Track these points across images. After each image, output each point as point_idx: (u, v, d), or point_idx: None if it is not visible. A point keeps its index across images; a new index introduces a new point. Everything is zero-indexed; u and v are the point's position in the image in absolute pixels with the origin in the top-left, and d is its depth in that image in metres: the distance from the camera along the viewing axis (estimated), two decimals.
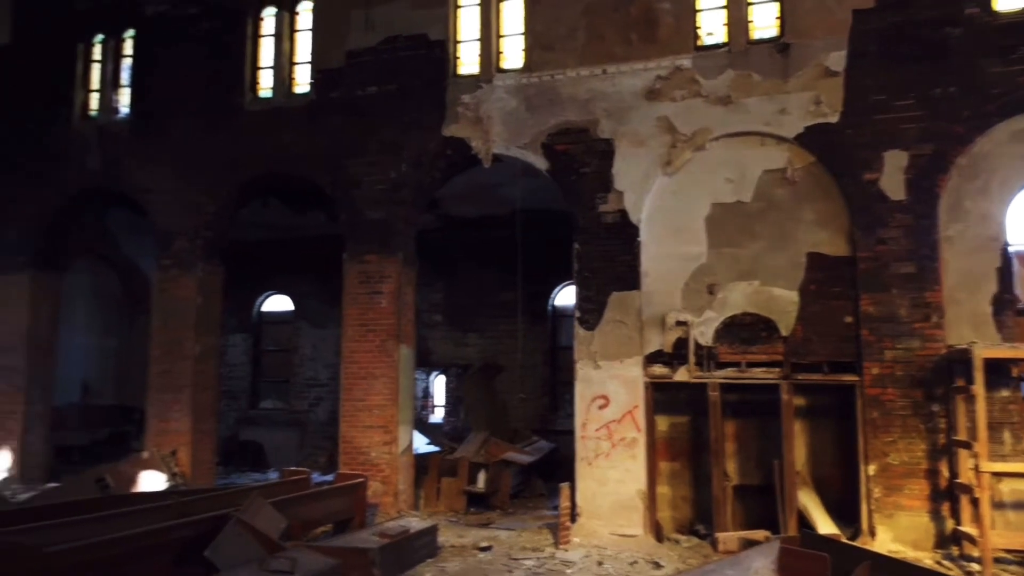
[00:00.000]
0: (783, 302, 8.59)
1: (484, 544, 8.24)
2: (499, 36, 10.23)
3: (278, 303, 15.74)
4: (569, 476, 9.05)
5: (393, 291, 10.11)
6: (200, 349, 11.12)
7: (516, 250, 11.31)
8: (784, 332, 8.55)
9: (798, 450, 8.46)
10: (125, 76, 12.24)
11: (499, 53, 10.19)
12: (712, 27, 9.34)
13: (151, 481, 10.38)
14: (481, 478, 10.26)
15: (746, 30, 9.13)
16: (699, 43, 9.30)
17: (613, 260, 9.15)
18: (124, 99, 12.19)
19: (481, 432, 11.46)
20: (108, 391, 15.49)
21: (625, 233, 9.15)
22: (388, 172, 10.28)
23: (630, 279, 9.07)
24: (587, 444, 8.97)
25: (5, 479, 11.63)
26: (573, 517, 8.74)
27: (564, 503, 8.44)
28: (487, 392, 13.94)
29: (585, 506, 8.85)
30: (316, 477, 10.12)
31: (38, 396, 12.24)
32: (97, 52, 12.46)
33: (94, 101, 12.44)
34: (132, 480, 10.30)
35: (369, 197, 10.32)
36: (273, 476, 12.50)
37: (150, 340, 11.38)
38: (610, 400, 8.95)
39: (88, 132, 12.18)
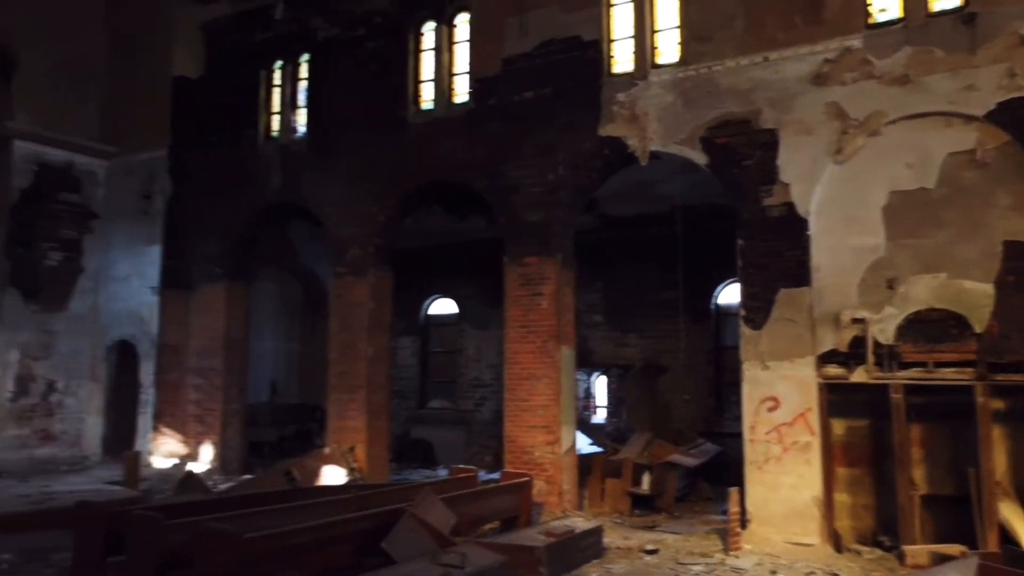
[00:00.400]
0: (975, 296, 7.85)
1: (650, 547, 8.12)
2: (653, 31, 10.07)
3: (443, 306, 16.32)
4: (737, 480, 8.73)
5: (553, 292, 10.20)
6: (373, 351, 11.71)
7: (676, 248, 11.08)
8: (977, 329, 7.80)
9: (997, 458, 7.69)
10: (302, 98, 13.16)
11: (653, 49, 10.03)
12: (884, 3, 8.71)
13: (332, 475, 11.06)
14: (645, 480, 10.13)
15: (924, 2, 8.44)
16: (870, 21, 8.69)
17: (780, 255, 8.75)
18: (301, 119, 13.09)
19: (644, 433, 11.30)
20: (293, 391, 16.69)
21: (792, 226, 8.72)
22: (545, 175, 10.38)
23: (799, 275, 8.63)
24: (756, 448, 8.62)
25: (208, 470, 12.77)
26: (743, 523, 8.43)
27: (733, 508, 8.16)
28: (649, 393, 13.74)
29: (756, 512, 8.51)
30: (482, 475, 10.37)
31: (234, 395, 13.38)
32: (277, 77, 13.48)
33: (275, 123, 13.44)
34: (315, 474, 11.02)
35: (527, 200, 10.47)
36: (442, 473, 12.96)
37: (328, 343, 12.14)
38: (780, 402, 8.56)
39: (271, 152, 13.18)
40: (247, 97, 13.50)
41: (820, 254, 8.60)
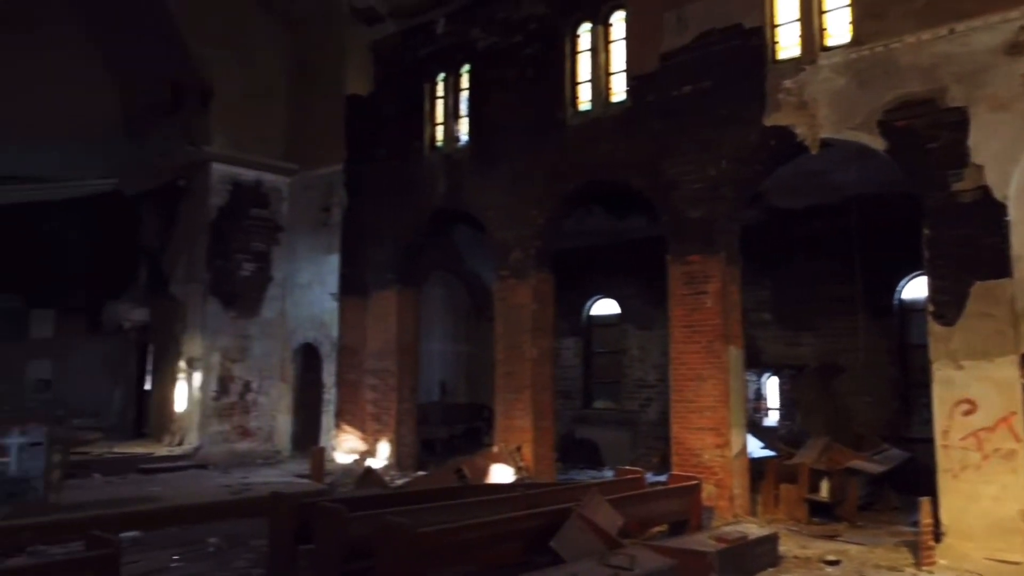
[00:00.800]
0: None
1: (831, 558, 7.67)
2: (821, 12, 9.51)
3: (605, 307, 16.25)
4: (929, 489, 8.04)
5: (718, 291, 9.89)
6: (537, 352, 11.86)
7: (852, 240, 10.41)
8: None
9: None
10: (463, 107, 13.59)
11: (822, 30, 9.47)
12: None
13: (500, 473, 11.31)
14: (824, 486, 9.57)
15: None
16: None
17: (974, 245, 7.98)
18: (463, 128, 13.52)
19: (821, 437, 10.69)
20: (461, 391, 17.25)
21: (988, 213, 7.93)
22: (707, 170, 10.09)
23: (997, 265, 7.83)
24: (950, 454, 7.91)
25: (385, 466, 13.45)
26: (936, 536, 7.75)
27: (925, 519, 7.53)
28: (825, 394, 12.98)
29: (951, 524, 7.80)
30: (649, 477, 10.22)
31: (406, 395, 14.01)
32: (440, 89, 14.00)
33: (439, 133, 13.98)
34: (484, 472, 11.31)
35: (688, 197, 10.22)
36: (608, 474, 12.90)
37: (494, 345, 12.43)
38: (977, 405, 7.80)
39: (436, 161, 13.70)
40: (413, 110, 14.11)
41: (1022, 243, 7.78)
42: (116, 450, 14.29)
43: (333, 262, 14.92)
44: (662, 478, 10.41)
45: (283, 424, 15.62)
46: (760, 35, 9.78)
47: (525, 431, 11.71)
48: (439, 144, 13.93)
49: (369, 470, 11.87)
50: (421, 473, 12.98)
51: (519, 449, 11.64)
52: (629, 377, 15.24)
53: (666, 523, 8.61)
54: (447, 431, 16.22)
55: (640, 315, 15.09)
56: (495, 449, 11.82)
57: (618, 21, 11.54)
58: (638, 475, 9.23)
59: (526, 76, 12.36)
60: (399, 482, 12.30)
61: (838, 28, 9.38)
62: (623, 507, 7.34)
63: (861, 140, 8.90)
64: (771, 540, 7.59)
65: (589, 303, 16.39)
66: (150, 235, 16.90)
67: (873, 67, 8.82)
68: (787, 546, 8.02)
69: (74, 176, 18.01)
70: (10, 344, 17.99)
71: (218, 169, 15.08)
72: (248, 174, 15.51)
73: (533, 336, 11.88)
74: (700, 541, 7.05)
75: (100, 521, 8.30)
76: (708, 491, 9.32)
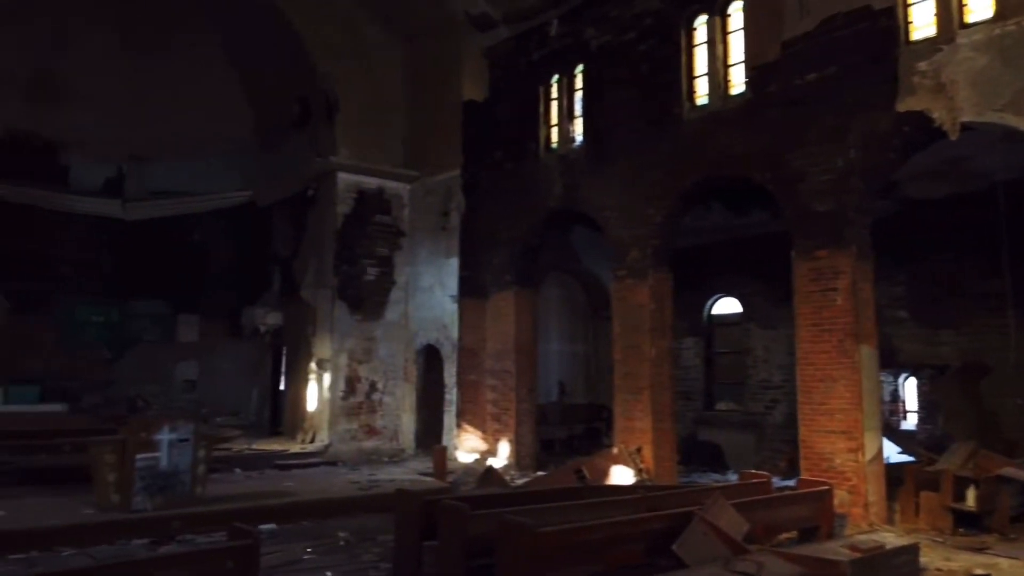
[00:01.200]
0: None
1: (980, 572, 7.12)
2: None
3: (726, 305, 15.78)
4: None
5: (848, 287, 9.39)
6: (656, 352, 11.66)
7: (999, 231, 9.63)
8: None
9: None
10: (578, 108, 13.56)
11: (961, 6, 8.82)
12: None
13: (620, 475, 11.19)
14: (970, 495, 8.90)
15: None
16: None
17: None
18: (578, 129, 13.49)
19: (966, 443, 9.95)
20: (580, 391, 17.20)
21: None
22: (834, 160, 9.61)
23: None
24: None
25: (505, 465, 13.59)
26: None
27: None
28: (969, 397, 12.07)
29: None
30: (776, 481, 9.84)
31: (525, 395, 14.10)
32: (554, 90, 14.03)
33: (554, 134, 14.01)
34: (604, 473, 11.23)
35: (814, 189, 9.77)
36: (732, 477, 12.52)
37: (612, 345, 12.32)
38: None
39: (551, 163, 13.74)
40: (527, 113, 14.21)
41: None
42: (254, 447, 15.12)
43: (453, 265, 15.23)
44: (790, 483, 10.01)
45: (407, 423, 16.08)
46: (891, 16, 9.22)
47: (645, 432, 11.54)
48: (554, 145, 13.96)
49: (490, 469, 12.03)
50: (540, 473, 13.03)
51: (639, 451, 11.48)
52: (753, 378, 14.73)
53: (795, 530, 8.26)
54: (566, 431, 16.23)
55: (764, 314, 14.56)
56: (615, 450, 11.71)
57: (736, 11, 11.20)
58: (764, 479, 8.90)
59: (641, 73, 12.19)
60: (519, 481, 12.40)
61: (979, 3, 8.71)
62: (748, 512, 7.10)
63: (1007, 123, 8.23)
64: (911, 551, 7.12)
65: (710, 302, 15.96)
66: (282, 243, 17.80)
67: (1020, 43, 8.14)
68: (929, 558, 7.52)
69: (216, 189, 19.23)
70: (160, 347, 19.40)
71: (343, 178, 15.70)
72: (371, 182, 16.07)
73: (652, 336, 11.69)
74: (832, 550, 6.72)
75: (241, 513, 8.82)
76: (840, 497, 8.88)
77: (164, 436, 9.04)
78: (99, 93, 18.95)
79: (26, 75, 18.06)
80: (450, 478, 12.54)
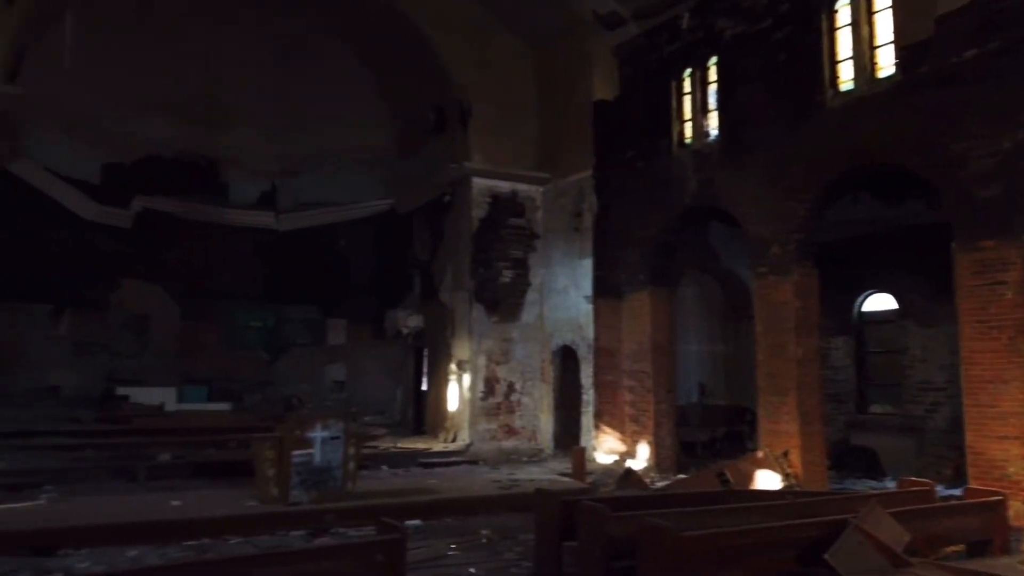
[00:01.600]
0: None
1: None
2: None
3: (879, 302, 14.86)
4: None
5: (1018, 280, 8.60)
6: (802, 352, 11.15)
7: None
8: None
9: None
10: (711, 101, 13.19)
11: None
12: None
13: (765, 479, 10.78)
14: None
15: None
16: None
17: None
18: (712, 123, 13.12)
19: None
20: (720, 392, 16.71)
21: None
22: (999, 142, 8.82)
23: None
24: None
25: (644, 468, 13.41)
26: None
27: None
28: None
29: None
30: (940, 490, 9.14)
31: (663, 396, 13.85)
32: (687, 85, 13.72)
33: (688, 129, 13.70)
34: (748, 477, 10.84)
35: (977, 175, 9.01)
36: (889, 485, 11.77)
37: (754, 345, 11.89)
38: None
39: (685, 158, 13.44)
40: (659, 109, 13.97)
41: None
42: (399, 445, 15.71)
43: (587, 266, 15.20)
44: (956, 492, 9.28)
45: (545, 423, 16.20)
46: None
47: (791, 436, 11.05)
48: (688, 141, 13.66)
49: (629, 471, 11.91)
50: (681, 476, 12.76)
51: (786, 455, 11.01)
52: (911, 379, 13.76)
53: (962, 543, 7.64)
54: (707, 433, 15.80)
55: (922, 310, 13.59)
56: (760, 454, 11.29)
57: None
58: (927, 487, 8.28)
59: (778, 61, 11.70)
60: (659, 484, 12.20)
61: None
62: (908, 522, 6.63)
63: None
64: None
65: (860, 298, 15.07)
66: (421, 248, 18.40)
67: None
68: None
69: (359, 199, 20.18)
70: (311, 349, 20.54)
71: (477, 183, 16.04)
72: (504, 186, 16.31)
73: (797, 335, 11.18)
74: (1008, 566, 6.16)
75: (388, 509, 9.17)
76: (1016, 509, 8.13)
77: (317, 434, 9.55)
78: (253, 114, 20.37)
79: (190, 101, 19.61)
80: (589, 479, 12.50)
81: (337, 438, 9.68)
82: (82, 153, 17.68)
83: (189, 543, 8.20)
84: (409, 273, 18.81)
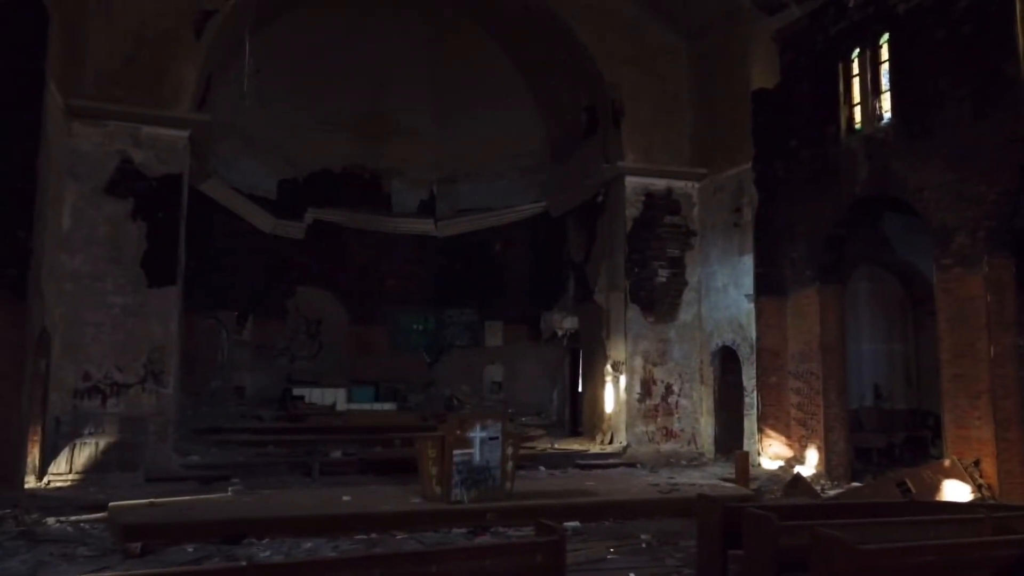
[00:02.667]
0: None
1: None
2: None
3: None
4: None
5: None
6: (996, 351, 10.12)
7: None
8: None
9: None
10: (884, 82, 12.29)
11: None
12: None
13: (953, 491, 9.89)
14: None
15: None
16: None
17: None
18: (885, 105, 12.23)
19: None
20: (898, 395, 15.52)
21: None
22: None
23: None
24: None
25: (813, 474, 12.68)
26: None
27: None
28: None
29: None
30: None
31: (833, 399, 13.06)
32: (855, 66, 12.87)
33: (857, 114, 12.86)
34: (933, 488, 9.99)
35: None
36: None
37: (937, 343, 10.95)
38: None
39: (855, 145, 12.61)
40: (825, 94, 13.21)
41: None
42: (556, 446, 15.77)
43: (747, 263, 14.60)
44: None
45: (705, 426, 15.70)
46: None
47: (984, 443, 10.07)
48: (857, 126, 12.83)
49: (798, 477, 11.31)
50: (855, 484, 12.01)
51: (977, 464, 10.04)
52: None
53: None
54: (884, 439, 14.74)
55: None
56: (946, 463, 10.36)
57: None
58: None
59: (961, 34, 10.70)
60: (831, 492, 11.50)
61: None
62: None
63: None
64: None
65: None
66: (575, 249, 18.40)
67: None
68: None
69: (514, 203, 20.48)
70: (470, 351, 21.06)
71: (631, 182, 15.81)
72: (659, 183, 15.98)
73: (989, 333, 10.17)
74: None
75: (547, 510, 9.21)
76: None
77: (476, 434, 9.75)
78: (413, 126, 21.15)
79: (355, 118, 20.64)
80: (753, 485, 12.00)
81: (495, 438, 9.84)
82: (261, 171, 19.08)
83: (359, 537, 8.60)
84: (563, 275, 18.86)
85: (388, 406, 18.62)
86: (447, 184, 21.80)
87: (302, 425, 16.14)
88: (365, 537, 8.64)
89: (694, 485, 11.60)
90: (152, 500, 9.42)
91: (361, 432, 15.73)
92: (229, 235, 17.96)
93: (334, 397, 18.21)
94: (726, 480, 12.53)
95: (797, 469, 12.91)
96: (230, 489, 10.23)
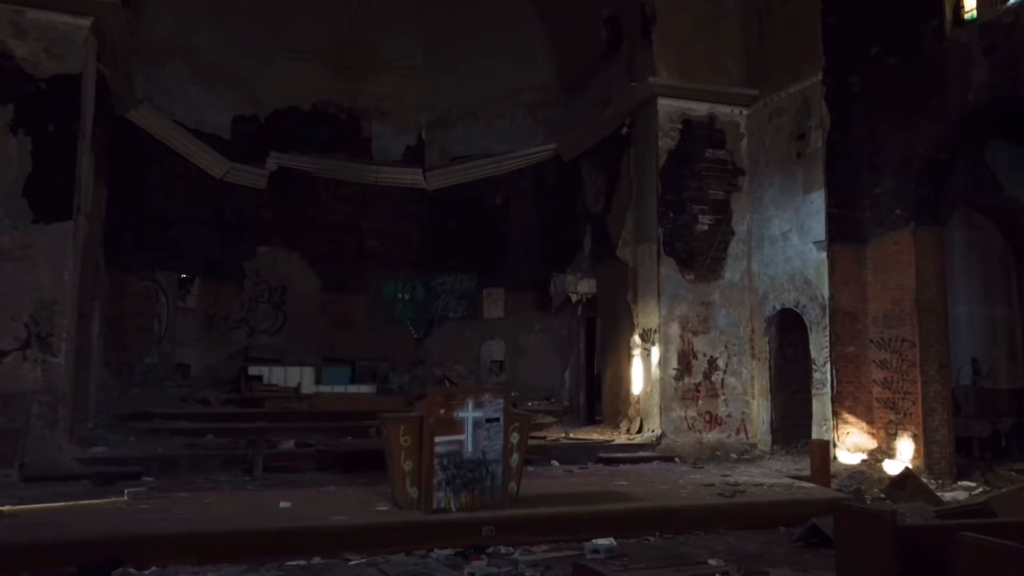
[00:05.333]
0: None
1: None
2: None
3: None
4: None
5: None
6: None
7: None
8: None
9: None
10: None
11: None
12: None
13: None
14: None
15: None
16: None
17: None
18: None
19: None
20: (1000, 371, 12.91)
21: None
22: None
23: None
24: None
25: (905, 471, 10.22)
26: None
27: None
28: None
29: None
30: None
31: (935, 374, 10.60)
32: None
33: (968, 1, 10.30)
34: None
35: None
36: None
37: None
38: None
39: (968, 40, 10.07)
40: None
41: None
42: (571, 436, 13.29)
43: (815, 203, 12.00)
44: None
45: (757, 411, 13.15)
46: None
47: None
48: (969, 15, 10.27)
49: (908, 475, 8.82)
50: (966, 484, 9.60)
51: None
52: None
53: None
54: (988, 426, 12.18)
55: None
56: None
57: None
58: None
59: None
60: (947, 496, 9.00)
61: None
62: None
63: None
64: None
65: None
66: (592, 198, 15.82)
67: None
68: None
69: (517, 147, 17.97)
70: (465, 324, 18.54)
71: (665, 106, 13.19)
72: (699, 108, 13.38)
73: None
74: None
75: (569, 521, 6.77)
76: None
77: (468, 414, 7.23)
78: (397, 59, 18.64)
79: (330, 46, 18.13)
80: (832, 484, 9.54)
81: (495, 420, 7.31)
82: (211, 103, 16.46)
83: (293, 563, 6.10)
84: (578, 230, 16.27)
85: (366, 389, 16.12)
86: (438, 127, 19.23)
87: (256, 411, 13.68)
88: (303, 563, 6.15)
89: (760, 486, 9.12)
90: (3, 508, 6.90)
91: (329, 419, 13.38)
92: (170, 179, 15.41)
93: (300, 378, 15.68)
94: (796, 478, 10.03)
95: (887, 464, 10.48)
96: (127, 493, 7.69)
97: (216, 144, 16.49)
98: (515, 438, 7.54)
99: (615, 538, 6.93)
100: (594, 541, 6.78)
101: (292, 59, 17.80)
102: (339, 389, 15.94)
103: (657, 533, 7.28)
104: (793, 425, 12.66)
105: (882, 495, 8.84)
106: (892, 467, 10.50)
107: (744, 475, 10.32)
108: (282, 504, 7.27)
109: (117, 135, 13.64)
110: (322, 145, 18.33)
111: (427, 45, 18.54)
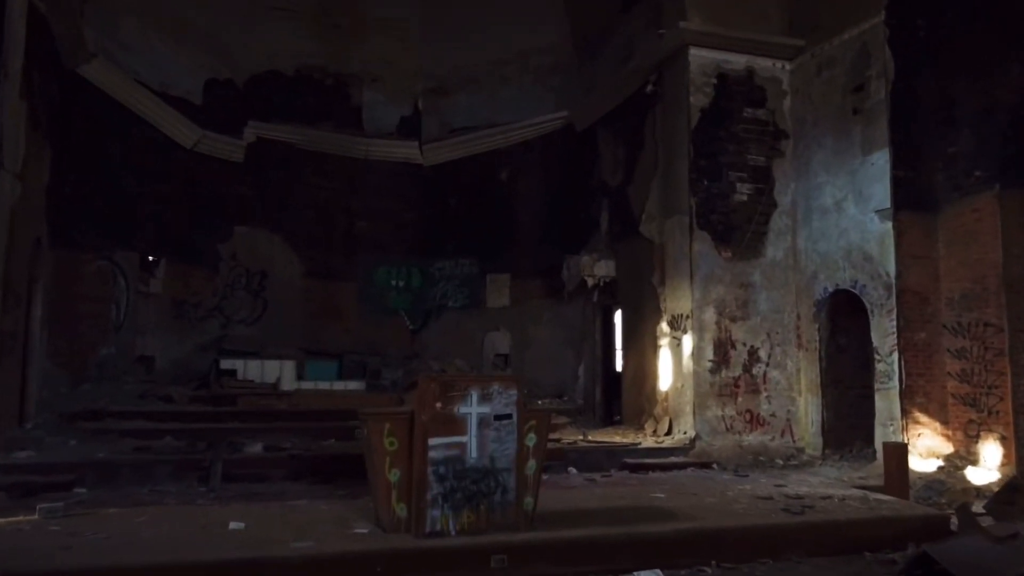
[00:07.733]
0: None
1: None
2: None
3: None
4: None
5: None
6: None
7: None
8: None
9: None
10: None
11: None
12: None
13: None
14: None
15: None
16: None
17: None
18: None
19: None
20: None
21: None
22: None
23: None
24: None
25: (992, 482, 8.80)
26: None
27: None
28: None
29: None
30: None
31: None
32: None
33: None
34: None
35: None
36: None
37: None
38: None
39: None
40: None
41: None
42: (589, 438, 11.83)
43: (876, 165, 10.53)
44: None
45: (805, 410, 11.68)
46: None
47: None
48: None
49: (1018, 487, 7.34)
50: None
51: None
52: None
53: None
54: None
55: None
56: None
57: None
58: None
59: None
60: None
61: None
62: None
63: None
64: None
65: None
66: (609, 169, 14.35)
67: None
68: None
69: (524, 117, 16.54)
70: (466, 314, 17.11)
71: (697, 56, 11.72)
72: (736, 61, 11.91)
73: None
74: None
75: (601, 546, 5.30)
76: None
77: (472, 409, 5.77)
78: (393, 18, 17.28)
79: (314, 5, 16.74)
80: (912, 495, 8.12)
81: (507, 417, 5.84)
82: (180, 64, 14.94)
83: None
84: (594, 205, 14.79)
85: (354, 385, 14.66)
86: (436, 94, 17.78)
87: (227, 409, 12.25)
88: None
89: (828, 498, 7.63)
90: None
91: (311, 419, 11.93)
92: (132, 147, 13.91)
93: (280, 373, 14.23)
94: (865, 487, 8.57)
95: (970, 472, 9.06)
96: (39, 509, 6.23)
97: (186, 110, 15.00)
98: (531, 440, 6.07)
99: (665, 568, 5.51)
100: (635, 574, 5.35)
101: (274, 18, 16.38)
102: (324, 385, 14.49)
103: (714, 562, 5.86)
104: (848, 426, 11.23)
105: (983, 510, 7.39)
106: (977, 475, 9.09)
107: (802, 485, 8.84)
108: (232, 524, 5.81)
109: (68, 93, 12.21)
110: (307, 114, 16.90)
111: (424, 4, 17.13)
